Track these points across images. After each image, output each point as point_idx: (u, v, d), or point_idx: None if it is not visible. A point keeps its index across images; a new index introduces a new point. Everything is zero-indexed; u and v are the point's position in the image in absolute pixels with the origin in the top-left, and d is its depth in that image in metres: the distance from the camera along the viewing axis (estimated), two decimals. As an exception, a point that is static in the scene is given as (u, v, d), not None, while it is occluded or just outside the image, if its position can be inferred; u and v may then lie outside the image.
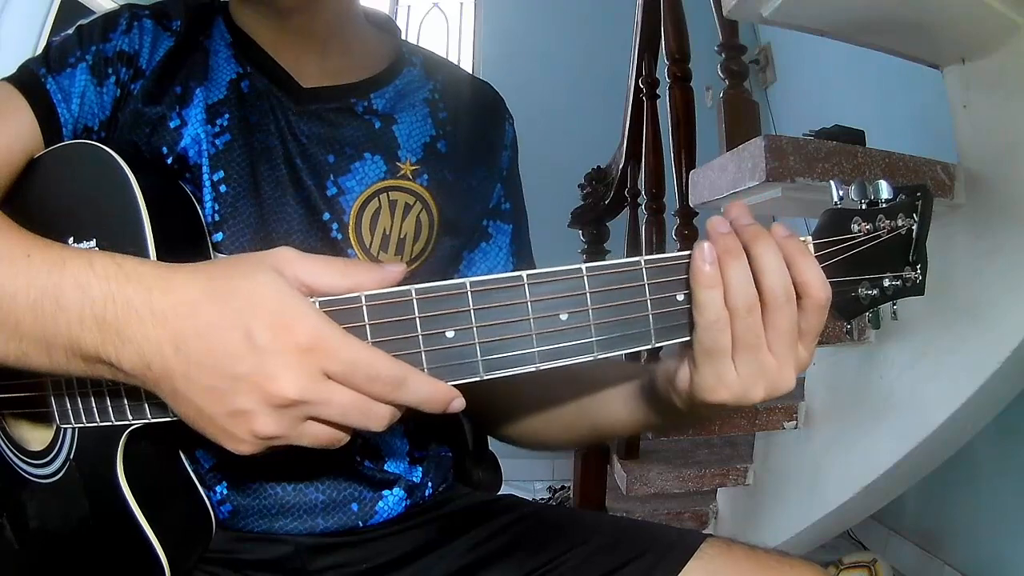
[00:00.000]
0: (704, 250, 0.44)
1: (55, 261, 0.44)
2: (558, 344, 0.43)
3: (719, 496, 1.71)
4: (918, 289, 0.48)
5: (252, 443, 0.41)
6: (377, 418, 0.41)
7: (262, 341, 0.39)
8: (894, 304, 0.48)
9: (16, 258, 0.44)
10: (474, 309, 0.42)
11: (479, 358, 0.42)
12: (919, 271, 0.48)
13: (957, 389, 1.16)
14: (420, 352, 0.42)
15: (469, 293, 0.42)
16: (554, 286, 0.42)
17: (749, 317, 0.44)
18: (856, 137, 1.43)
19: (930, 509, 1.90)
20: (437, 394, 0.42)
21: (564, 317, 0.42)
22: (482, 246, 0.72)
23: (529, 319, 0.42)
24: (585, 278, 0.43)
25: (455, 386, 0.42)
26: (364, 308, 0.42)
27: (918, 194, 0.47)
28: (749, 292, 0.44)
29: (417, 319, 0.42)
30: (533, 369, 0.43)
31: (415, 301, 0.42)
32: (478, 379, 0.43)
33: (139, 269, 0.43)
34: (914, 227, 0.47)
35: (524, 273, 0.42)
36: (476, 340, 0.42)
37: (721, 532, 1.69)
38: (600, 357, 0.43)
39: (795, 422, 1.47)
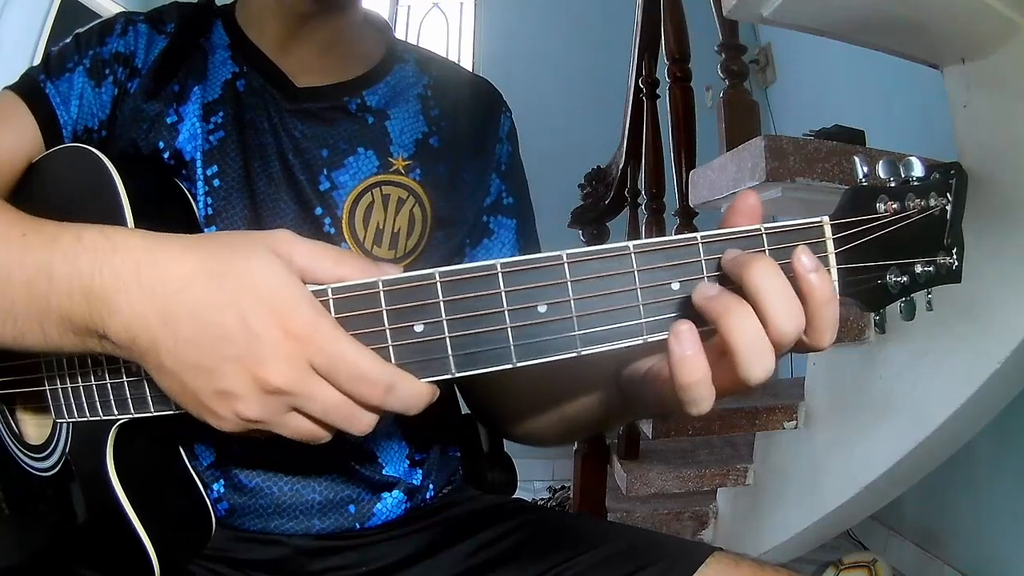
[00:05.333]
0: (683, 335, 0.38)
1: (48, 238, 0.44)
2: (536, 339, 0.40)
3: (719, 496, 1.70)
4: (954, 276, 0.43)
5: (235, 423, 0.41)
6: (359, 424, 0.41)
7: (256, 325, 0.39)
8: (929, 293, 0.43)
9: (12, 238, 0.45)
10: (444, 301, 0.39)
11: (450, 354, 0.40)
12: (955, 256, 0.42)
13: (957, 389, 1.16)
14: (388, 347, 0.40)
15: (438, 284, 0.39)
16: (531, 275, 0.39)
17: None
18: (856, 137, 1.43)
19: (930, 509, 1.90)
20: (422, 397, 0.41)
21: (543, 309, 0.39)
22: (484, 242, 0.72)
23: (504, 311, 0.39)
24: (566, 266, 0.39)
25: (430, 382, 0.41)
26: (331, 301, 0.40)
27: (952, 172, 0.42)
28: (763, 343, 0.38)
29: (384, 312, 0.40)
30: (509, 367, 0.40)
31: (382, 293, 0.40)
32: (450, 376, 0.40)
33: (128, 240, 0.42)
34: (948, 207, 0.42)
35: (498, 262, 0.39)
36: (446, 334, 0.40)
37: (721, 532, 1.68)
38: (584, 353, 0.40)
39: (795, 422, 1.47)
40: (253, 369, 0.39)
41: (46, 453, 0.59)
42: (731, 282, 0.40)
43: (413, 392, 0.40)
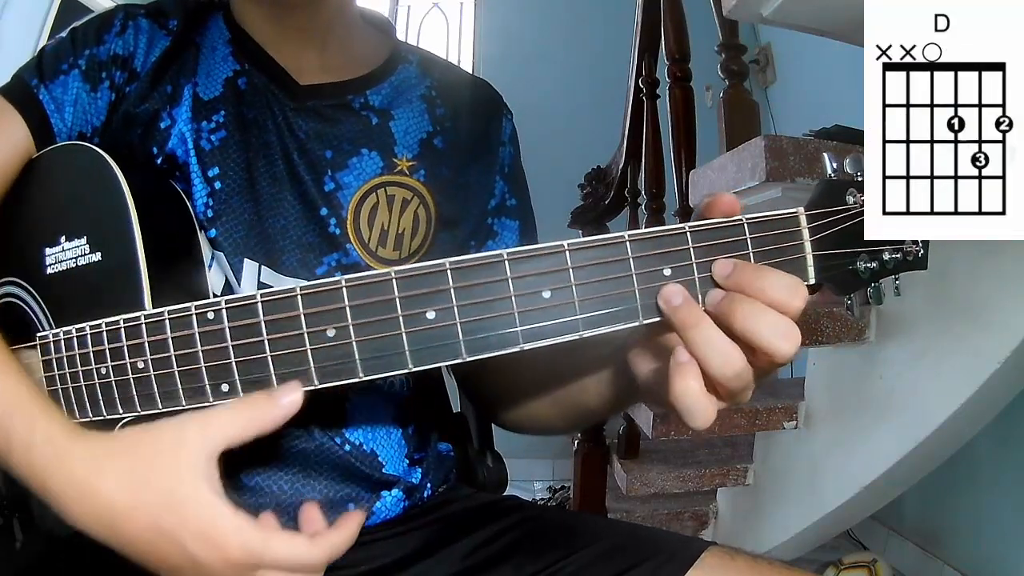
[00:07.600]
0: (679, 354, 0.42)
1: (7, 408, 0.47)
2: (542, 323, 0.42)
3: (719, 496, 1.70)
4: (920, 263, 0.45)
5: None
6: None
7: (198, 555, 0.44)
8: (896, 279, 0.46)
9: None
10: (454, 288, 0.41)
11: (461, 339, 0.42)
12: (921, 244, 0.45)
13: (957, 389, 1.16)
14: (401, 334, 0.42)
15: (449, 271, 0.42)
16: (535, 263, 0.42)
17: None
18: (856, 137, 1.43)
19: (930, 509, 1.90)
20: (350, 542, 0.48)
21: (547, 295, 0.42)
22: (489, 244, 0.72)
23: (511, 297, 0.42)
24: (567, 254, 0.42)
25: (438, 367, 0.43)
26: (344, 290, 0.42)
27: None
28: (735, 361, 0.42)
29: (397, 300, 0.42)
30: (517, 350, 0.42)
31: (395, 281, 0.42)
32: (461, 361, 0.42)
33: (70, 466, 0.45)
34: None
35: (504, 251, 0.42)
36: (457, 320, 0.42)
37: (721, 532, 1.69)
38: (586, 335, 0.42)
39: (795, 422, 1.47)
40: None
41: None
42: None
43: (345, 545, 0.48)
